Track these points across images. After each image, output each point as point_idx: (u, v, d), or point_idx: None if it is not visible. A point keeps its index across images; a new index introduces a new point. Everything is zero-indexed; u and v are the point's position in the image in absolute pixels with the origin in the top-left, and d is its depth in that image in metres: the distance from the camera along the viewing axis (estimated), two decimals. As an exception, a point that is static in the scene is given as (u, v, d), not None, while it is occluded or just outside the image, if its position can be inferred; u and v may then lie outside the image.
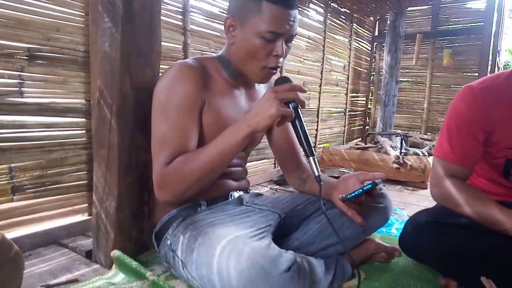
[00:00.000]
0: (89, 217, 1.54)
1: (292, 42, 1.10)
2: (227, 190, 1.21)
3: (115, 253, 1.18)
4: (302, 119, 0.96)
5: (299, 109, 0.96)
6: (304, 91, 0.97)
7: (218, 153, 0.97)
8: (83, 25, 1.49)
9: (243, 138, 0.95)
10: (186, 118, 1.02)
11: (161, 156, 1.00)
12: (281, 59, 1.06)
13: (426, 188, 2.75)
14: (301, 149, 1.32)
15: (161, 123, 1.03)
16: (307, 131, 0.98)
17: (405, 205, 2.27)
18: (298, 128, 0.96)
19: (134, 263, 1.13)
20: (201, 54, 2.11)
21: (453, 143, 1.16)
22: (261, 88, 1.26)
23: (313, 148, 0.97)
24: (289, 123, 1.29)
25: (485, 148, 1.17)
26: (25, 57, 1.34)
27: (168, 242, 1.08)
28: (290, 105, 0.94)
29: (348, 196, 0.99)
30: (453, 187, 1.14)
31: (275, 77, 1.10)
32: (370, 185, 0.98)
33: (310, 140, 0.97)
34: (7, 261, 0.71)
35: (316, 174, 0.95)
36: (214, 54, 1.19)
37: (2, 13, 1.26)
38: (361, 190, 0.98)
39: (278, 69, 1.09)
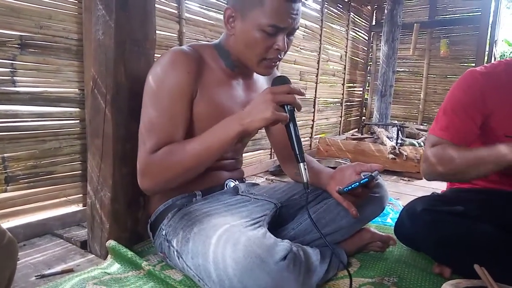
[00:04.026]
0: (84, 207, 1.53)
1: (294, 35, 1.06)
2: (222, 180, 1.20)
3: (110, 243, 1.17)
4: (297, 123, 0.94)
5: (294, 113, 0.93)
6: (303, 95, 0.94)
7: (206, 148, 0.94)
8: (76, 13, 1.47)
9: (234, 136, 0.92)
10: (176, 106, 1.00)
11: (147, 143, 0.99)
12: (282, 52, 1.03)
13: (421, 179, 2.76)
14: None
15: (150, 110, 1.01)
16: (300, 136, 0.95)
17: (401, 195, 2.27)
18: (291, 132, 0.93)
19: (129, 253, 1.13)
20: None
21: (447, 121, 1.16)
22: (259, 78, 1.23)
23: (304, 154, 0.94)
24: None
25: (483, 134, 1.16)
26: (17, 46, 1.31)
27: (163, 233, 1.08)
28: (286, 107, 0.91)
29: (345, 189, 0.99)
30: (437, 150, 1.12)
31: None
32: (367, 179, 0.96)
33: (302, 145, 0.95)
34: (0, 248, 0.70)
35: (305, 180, 0.94)
36: (211, 42, 1.16)
37: (-8, 0, 1.24)
38: (357, 184, 0.97)
39: (279, 61, 1.07)
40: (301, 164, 0.93)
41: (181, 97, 1.01)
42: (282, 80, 0.96)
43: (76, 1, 1.46)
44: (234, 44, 1.05)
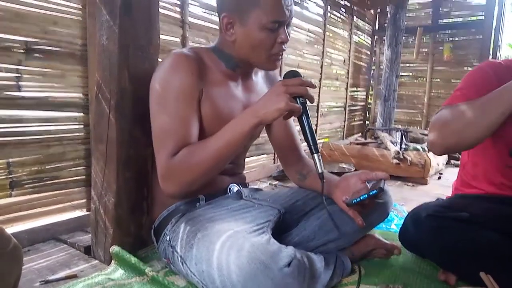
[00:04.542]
0: (88, 212, 1.53)
1: (291, 28, 1.12)
2: (225, 185, 1.20)
3: (114, 248, 1.17)
4: (309, 114, 0.96)
5: (306, 105, 0.95)
6: (314, 87, 0.97)
7: (225, 143, 0.96)
8: (81, 18, 1.48)
9: (250, 129, 0.94)
10: (185, 108, 1.01)
11: (165, 148, 0.99)
12: (285, 44, 1.07)
13: (426, 184, 2.75)
14: (302, 144, 1.33)
15: (161, 115, 1.02)
16: (313, 127, 0.97)
17: (405, 200, 2.26)
18: (304, 124, 0.95)
19: (133, 259, 1.13)
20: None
21: (459, 94, 1.13)
22: (258, 80, 1.25)
23: (318, 145, 0.96)
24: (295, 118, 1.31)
25: None
26: (23, 51, 1.32)
27: (167, 238, 1.07)
28: (298, 99, 0.93)
29: (353, 201, 0.98)
30: (446, 110, 1.08)
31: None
32: (376, 191, 0.95)
33: (315, 136, 0.96)
34: (6, 253, 0.71)
35: (320, 171, 0.95)
36: (208, 46, 1.17)
37: (-2, 6, 1.25)
38: (366, 196, 0.96)
39: (283, 53, 1.11)
40: (315, 155, 0.95)
41: (188, 98, 1.02)
42: (293, 74, 0.98)
43: (81, 7, 1.47)
44: (238, 48, 1.07)
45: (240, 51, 1.07)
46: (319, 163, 0.95)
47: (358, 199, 0.97)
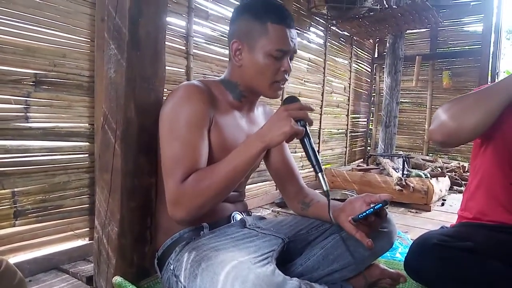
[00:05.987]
0: (90, 241, 1.52)
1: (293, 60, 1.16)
2: (228, 213, 1.20)
3: (117, 279, 1.16)
4: (310, 136, 1.00)
5: (307, 127, 0.99)
6: (313, 110, 1.01)
7: (233, 168, 0.98)
8: (89, 51, 1.53)
9: (257, 153, 0.96)
10: (196, 135, 1.04)
11: (176, 174, 1.00)
12: (287, 74, 1.12)
13: (429, 210, 2.73)
14: (301, 174, 1.34)
15: (171, 142, 1.04)
16: (315, 147, 1.00)
17: (409, 228, 2.24)
18: (307, 145, 0.99)
19: (135, 290, 1.12)
20: (204, 77, 2.14)
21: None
22: (259, 114, 1.29)
23: (321, 164, 0.98)
24: (286, 148, 1.33)
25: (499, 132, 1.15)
26: (32, 83, 1.36)
27: (171, 267, 1.06)
28: (299, 123, 0.97)
29: (360, 216, 0.99)
30: (446, 103, 1.10)
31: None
32: (380, 205, 0.98)
33: (318, 156, 0.99)
34: (11, 287, 0.71)
35: (325, 189, 0.97)
36: (217, 78, 1.22)
37: (11, 41, 1.30)
38: (372, 210, 0.98)
39: (286, 82, 1.15)
40: (319, 174, 0.97)
41: (200, 126, 1.05)
42: (293, 99, 1.02)
43: (89, 40, 1.53)
44: (244, 74, 1.12)
45: (246, 76, 1.12)
46: (324, 181, 0.97)
47: (364, 214, 0.99)
